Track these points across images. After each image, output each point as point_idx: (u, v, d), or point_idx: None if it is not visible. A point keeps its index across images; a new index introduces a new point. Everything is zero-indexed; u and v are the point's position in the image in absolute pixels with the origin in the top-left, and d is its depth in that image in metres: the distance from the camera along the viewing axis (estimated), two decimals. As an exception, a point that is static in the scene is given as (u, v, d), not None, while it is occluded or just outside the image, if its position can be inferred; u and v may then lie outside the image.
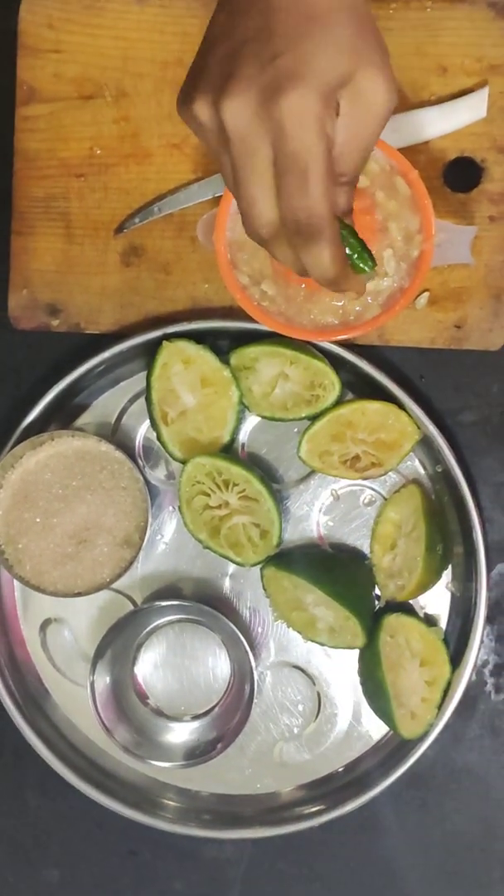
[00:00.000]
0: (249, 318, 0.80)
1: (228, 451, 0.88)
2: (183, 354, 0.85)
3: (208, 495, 0.86)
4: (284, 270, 0.79)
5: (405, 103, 0.86)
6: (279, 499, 0.88)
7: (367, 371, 0.85)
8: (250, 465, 0.86)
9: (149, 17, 0.87)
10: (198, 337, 0.86)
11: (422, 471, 0.89)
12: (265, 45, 0.58)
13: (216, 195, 0.86)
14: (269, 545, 0.86)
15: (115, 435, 0.90)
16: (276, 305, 0.80)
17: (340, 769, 0.89)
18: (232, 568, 0.89)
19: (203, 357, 0.86)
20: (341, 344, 0.85)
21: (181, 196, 0.87)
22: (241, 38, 0.59)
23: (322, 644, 0.87)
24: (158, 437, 0.87)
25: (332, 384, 0.85)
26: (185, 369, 0.86)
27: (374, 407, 0.85)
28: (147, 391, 0.86)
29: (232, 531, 0.86)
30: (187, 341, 0.85)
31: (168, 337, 0.85)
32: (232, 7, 0.61)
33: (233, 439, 0.88)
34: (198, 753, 0.87)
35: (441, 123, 0.85)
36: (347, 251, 0.65)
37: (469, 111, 0.84)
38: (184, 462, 0.86)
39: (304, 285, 0.79)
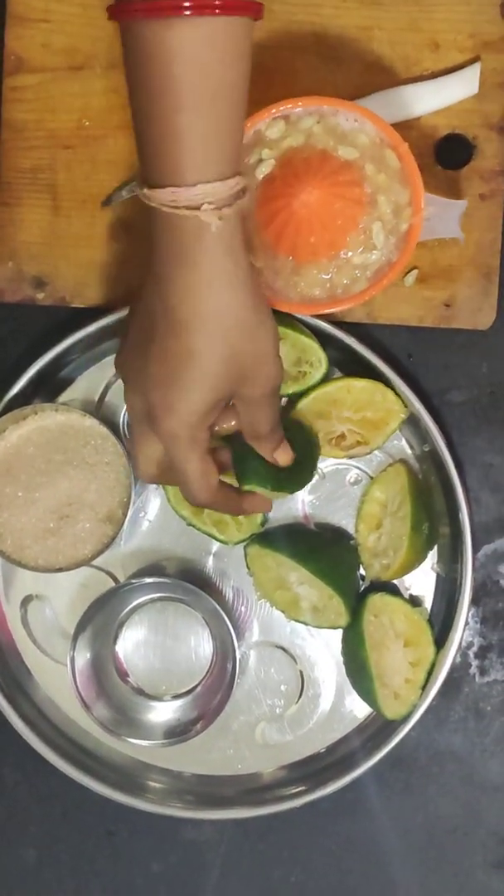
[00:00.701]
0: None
1: None
2: None
3: None
4: (271, 242, 0.78)
5: (396, 79, 0.85)
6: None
7: (355, 348, 0.84)
8: (224, 439, 0.85)
9: (140, -12, 0.86)
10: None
11: (409, 450, 0.88)
12: (147, 382, 0.71)
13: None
14: (254, 523, 0.85)
15: (100, 410, 0.89)
16: (263, 278, 0.79)
17: (323, 750, 0.88)
18: (216, 546, 0.89)
19: None
20: (329, 321, 0.84)
21: None
22: (140, 363, 0.71)
23: (305, 623, 0.87)
24: None
25: (318, 361, 0.84)
26: None
27: (361, 385, 0.85)
28: None
29: None
30: None
31: None
32: (135, 327, 0.73)
33: None
34: (178, 733, 0.86)
35: (432, 99, 0.84)
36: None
37: (461, 87, 0.84)
38: None
39: (291, 257, 0.78)
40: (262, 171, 0.77)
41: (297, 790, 0.86)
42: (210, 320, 0.67)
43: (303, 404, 0.85)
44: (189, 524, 0.86)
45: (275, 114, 0.77)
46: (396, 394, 0.85)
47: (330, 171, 0.76)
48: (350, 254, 0.78)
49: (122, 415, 0.89)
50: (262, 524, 0.86)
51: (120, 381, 0.87)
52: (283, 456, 0.78)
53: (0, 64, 0.87)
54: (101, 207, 0.87)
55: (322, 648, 0.88)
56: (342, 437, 0.86)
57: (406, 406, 0.85)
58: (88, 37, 0.86)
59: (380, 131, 0.77)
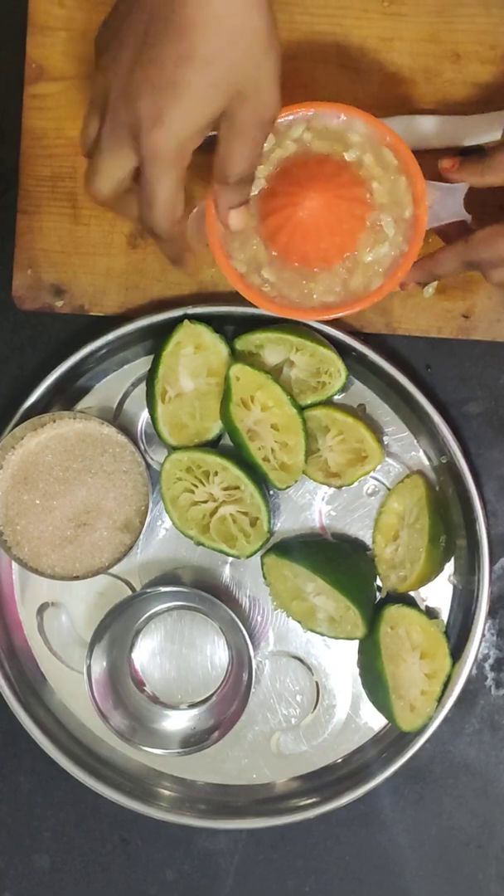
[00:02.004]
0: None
1: (214, 446, 0.87)
2: (198, 339, 0.85)
3: (192, 491, 0.85)
4: (280, 254, 0.78)
5: (418, 90, 0.85)
6: (265, 484, 0.86)
7: (374, 359, 0.84)
8: (225, 453, 0.85)
9: (161, -3, 0.86)
10: (209, 321, 0.85)
11: (426, 462, 0.88)
12: (137, 86, 0.64)
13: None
14: (261, 532, 0.85)
15: (118, 418, 0.89)
16: (277, 290, 0.79)
17: (338, 761, 0.88)
18: (232, 556, 0.89)
19: (216, 346, 0.85)
20: (348, 331, 0.85)
21: None
22: (126, 62, 0.65)
23: (322, 634, 0.86)
24: (151, 414, 0.86)
25: (338, 371, 0.84)
26: (194, 353, 0.85)
27: (343, 419, 0.85)
28: (153, 365, 0.85)
29: (221, 523, 0.85)
30: (206, 326, 0.85)
31: (189, 317, 0.85)
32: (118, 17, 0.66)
33: (220, 436, 0.87)
34: (193, 742, 0.86)
35: (453, 135, 0.83)
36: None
37: (485, 129, 0.83)
38: (169, 446, 0.86)
39: (303, 266, 0.78)
40: (253, 190, 0.77)
41: (311, 801, 0.86)
42: (220, 23, 0.61)
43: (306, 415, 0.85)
44: (198, 543, 0.86)
45: None
46: (375, 439, 0.85)
47: (329, 174, 0.76)
48: (361, 254, 0.77)
49: (141, 423, 0.89)
50: (269, 531, 0.86)
51: (136, 391, 0.88)
52: (237, 218, 0.72)
53: (21, 72, 0.87)
54: None
55: (338, 659, 0.88)
56: (325, 462, 0.86)
57: (383, 454, 0.86)
58: (109, 45, 0.86)
59: (368, 126, 0.77)
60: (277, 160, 0.77)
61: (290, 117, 0.77)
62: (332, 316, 0.79)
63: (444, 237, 0.81)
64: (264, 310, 0.79)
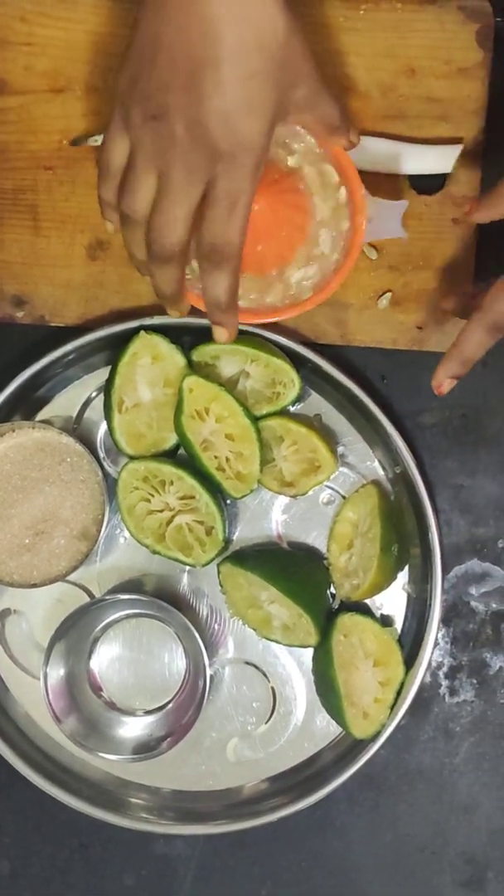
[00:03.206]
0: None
1: (172, 456, 0.88)
2: (155, 349, 0.86)
3: (149, 500, 0.86)
4: None
5: (373, 104, 0.86)
6: (221, 493, 0.87)
7: (328, 370, 0.85)
8: (181, 463, 0.86)
9: (121, 13, 0.87)
10: (166, 332, 0.86)
11: (381, 472, 0.89)
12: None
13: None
14: (216, 541, 0.86)
15: (77, 428, 0.90)
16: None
17: (294, 767, 0.89)
18: (190, 564, 0.90)
19: (173, 357, 0.86)
20: (302, 342, 0.85)
21: None
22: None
23: (276, 641, 0.87)
24: (108, 423, 0.87)
25: (292, 382, 0.85)
26: (151, 364, 0.86)
27: (297, 428, 0.86)
28: (110, 376, 0.86)
29: (177, 532, 0.86)
30: (162, 337, 0.86)
31: (145, 328, 0.86)
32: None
33: (178, 445, 0.87)
34: (148, 748, 0.87)
35: (406, 162, 0.84)
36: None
37: (435, 161, 0.84)
38: (127, 455, 0.87)
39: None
40: None
41: (268, 806, 0.87)
42: (258, 37, 0.67)
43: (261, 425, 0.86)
44: (154, 552, 0.87)
45: None
46: (329, 449, 0.86)
47: (271, 179, 0.76)
48: (296, 266, 0.78)
49: (100, 433, 0.90)
50: (224, 540, 0.86)
51: (96, 401, 0.89)
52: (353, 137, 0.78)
53: (-17, 86, 0.89)
54: (69, 144, 0.87)
55: (294, 666, 0.89)
56: (280, 472, 0.87)
57: (336, 464, 0.87)
58: (70, 59, 0.88)
59: (310, 134, 0.78)
60: None
61: None
62: (261, 320, 0.81)
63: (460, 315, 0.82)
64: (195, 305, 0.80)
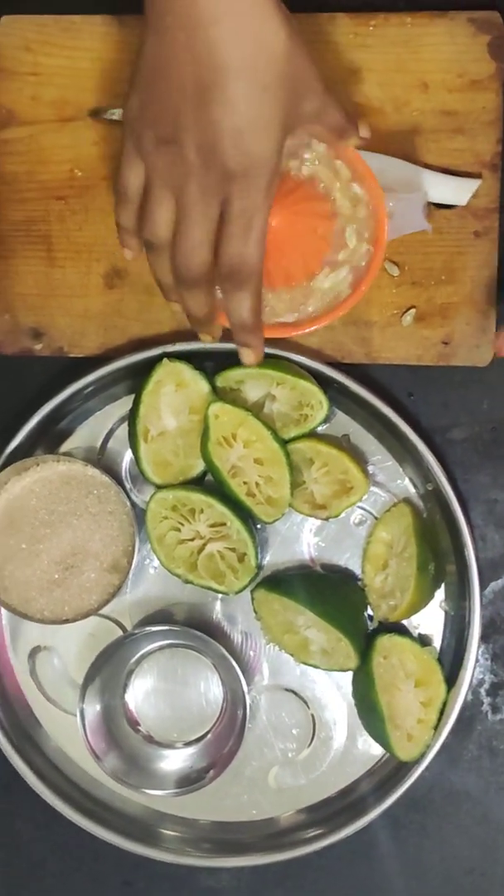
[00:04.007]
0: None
1: (199, 483, 0.87)
2: (178, 377, 0.85)
3: (178, 529, 0.85)
4: None
5: (388, 120, 0.85)
6: (251, 519, 0.86)
7: (355, 390, 0.84)
8: (210, 490, 0.85)
9: (127, 38, 0.86)
10: (189, 359, 0.85)
11: (412, 489, 0.88)
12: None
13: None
14: (249, 567, 0.85)
15: (102, 459, 0.89)
16: None
17: (337, 793, 0.88)
18: (222, 591, 0.88)
19: (197, 383, 0.85)
20: (328, 363, 0.85)
21: None
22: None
23: (315, 666, 0.86)
24: (134, 453, 0.86)
25: (319, 403, 0.84)
26: (175, 391, 0.85)
27: (327, 450, 0.85)
28: (135, 405, 0.85)
29: (209, 560, 0.85)
30: (185, 364, 0.85)
31: (168, 356, 0.85)
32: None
33: (205, 472, 0.86)
34: (190, 781, 0.86)
35: (427, 188, 0.84)
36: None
37: (453, 193, 0.83)
38: (154, 484, 0.86)
39: (266, 285, 0.78)
40: None
41: (312, 835, 0.86)
42: (262, 53, 0.67)
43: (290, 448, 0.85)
44: (186, 581, 0.86)
45: None
46: (361, 470, 0.85)
47: (285, 191, 0.76)
48: (326, 272, 0.78)
49: (125, 462, 0.89)
50: (257, 566, 0.85)
51: (119, 431, 0.88)
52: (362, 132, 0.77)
53: (-9, 118, 0.88)
54: (88, 115, 0.86)
55: (333, 690, 0.88)
56: (311, 494, 0.86)
57: (368, 484, 0.85)
58: (77, 88, 0.87)
59: (321, 143, 0.77)
60: None
61: None
62: (300, 332, 0.80)
63: None
64: (225, 325, 0.78)
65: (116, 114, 0.86)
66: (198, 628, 0.85)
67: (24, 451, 0.87)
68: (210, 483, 0.87)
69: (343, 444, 0.87)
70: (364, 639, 0.85)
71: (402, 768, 0.85)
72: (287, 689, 0.88)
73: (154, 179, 0.72)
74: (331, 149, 0.77)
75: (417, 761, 0.84)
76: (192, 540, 0.85)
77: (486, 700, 0.88)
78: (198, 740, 0.88)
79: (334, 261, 0.77)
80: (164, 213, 0.72)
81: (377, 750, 0.87)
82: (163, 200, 0.71)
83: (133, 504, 0.86)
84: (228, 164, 0.68)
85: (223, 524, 0.84)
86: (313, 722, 0.88)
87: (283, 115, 0.69)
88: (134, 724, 0.89)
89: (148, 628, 0.86)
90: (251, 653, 0.89)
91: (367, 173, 0.77)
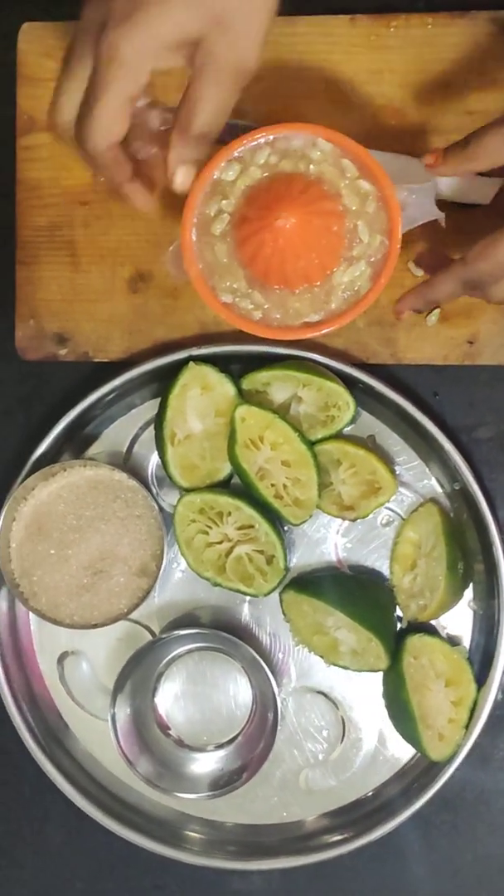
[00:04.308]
0: (263, 341, 0.80)
1: (226, 486, 0.87)
2: (204, 380, 0.85)
3: (206, 532, 0.85)
4: (260, 278, 0.77)
5: (410, 120, 0.85)
6: (279, 521, 0.86)
7: (381, 391, 0.84)
8: (237, 492, 0.85)
9: (148, 43, 0.86)
10: (214, 362, 0.85)
11: (439, 489, 0.88)
12: None
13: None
14: (278, 569, 0.85)
15: (128, 463, 0.89)
16: (264, 314, 0.78)
17: (368, 794, 0.88)
18: (250, 593, 0.89)
19: (223, 386, 0.85)
20: (353, 364, 0.85)
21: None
22: None
23: (345, 667, 0.86)
24: (161, 457, 0.86)
25: (346, 404, 0.84)
26: (201, 394, 0.85)
27: (354, 451, 0.85)
28: (161, 408, 0.85)
29: (238, 563, 0.85)
30: (211, 367, 0.85)
31: (193, 359, 0.85)
32: None
33: (231, 475, 0.86)
34: (223, 783, 0.86)
35: (446, 189, 0.82)
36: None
37: (475, 192, 0.82)
38: (181, 488, 0.86)
39: (284, 288, 0.77)
40: (220, 226, 0.77)
41: (343, 836, 0.86)
42: None
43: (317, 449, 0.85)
44: (215, 584, 0.86)
45: (228, 157, 0.76)
46: (388, 470, 0.85)
47: (297, 192, 0.75)
48: (344, 268, 0.77)
49: (151, 466, 0.89)
50: (286, 568, 0.85)
51: (145, 435, 0.89)
52: (184, 176, 0.68)
53: (13, 124, 0.88)
54: None
55: (362, 691, 0.88)
56: (339, 495, 0.86)
57: (396, 484, 0.85)
58: (99, 93, 0.87)
59: (329, 141, 0.76)
60: (244, 188, 0.77)
61: (253, 143, 0.76)
62: (324, 331, 0.78)
63: (428, 270, 0.81)
64: (252, 332, 0.78)
65: (142, 102, 0.85)
66: (226, 631, 0.85)
67: (50, 457, 0.87)
68: (237, 486, 0.87)
69: (369, 444, 0.87)
70: (394, 639, 0.85)
71: (433, 769, 0.85)
72: (316, 691, 0.88)
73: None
74: (337, 147, 0.77)
75: (449, 761, 0.84)
76: (220, 543, 0.85)
77: (517, 699, 0.88)
78: (228, 743, 0.88)
79: (350, 257, 0.77)
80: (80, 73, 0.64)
81: (407, 751, 0.87)
82: (82, 57, 0.64)
83: (160, 508, 0.86)
84: (107, 13, 0.62)
85: (251, 526, 0.84)
86: (343, 723, 0.88)
87: (193, 17, 0.62)
88: (164, 728, 0.89)
89: (176, 632, 0.86)
90: (280, 655, 0.89)
91: (374, 167, 0.76)
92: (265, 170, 0.76)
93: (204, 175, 0.75)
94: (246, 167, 0.76)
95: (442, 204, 0.79)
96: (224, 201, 0.76)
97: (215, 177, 0.76)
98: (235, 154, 0.76)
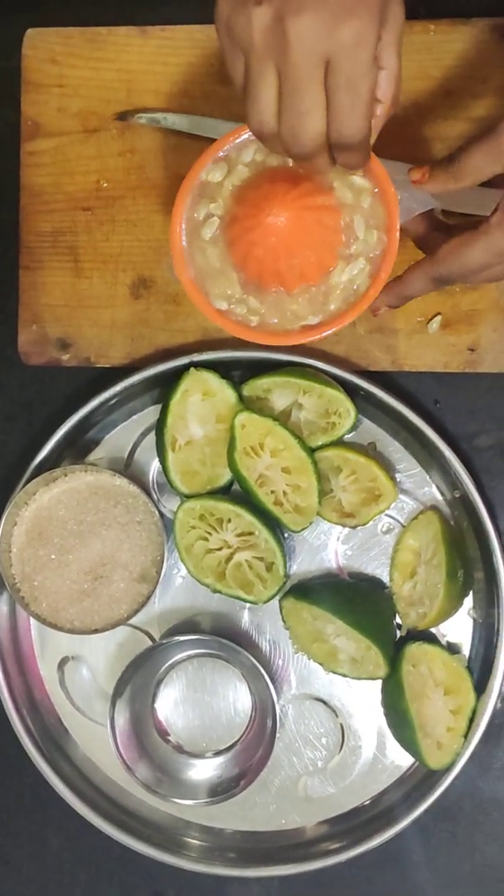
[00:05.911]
0: (264, 348, 0.80)
1: (226, 492, 0.87)
2: (205, 386, 0.85)
3: (206, 539, 0.85)
4: (254, 279, 0.76)
5: (412, 128, 0.85)
6: (279, 528, 0.86)
7: (382, 397, 0.84)
8: (237, 499, 0.85)
9: (151, 49, 0.87)
10: (215, 368, 0.85)
11: (439, 497, 0.88)
12: None
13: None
14: (278, 576, 0.85)
15: (129, 469, 0.89)
16: (260, 318, 0.78)
17: (366, 802, 0.88)
18: (250, 600, 0.88)
19: (224, 392, 0.85)
20: (354, 371, 0.85)
21: (188, 121, 0.86)
22: None
23: (344, 675, 0.86)
24: (162, 463, 0.86)
25: (347, 411, 0.84)
26: (202, 400, 0.85)
27: (355, 458, 0.85)
28: (162, 414, 0.85)
29: (237, 570, 0.85)
30: (212, 373, 0.85)
31: (195, 365, 0.85)
32: None
33: (232, 481, 0.86)
34: (221, 790, 0.86)
35: (446, 200, 0.82)
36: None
37: (476, 204, 0.81)
38: (182, 494, 0.86)
39: (281, 288, 0.77)
40: (210, 231, 0.76)
41: (341, 844, 0.85)
42: None
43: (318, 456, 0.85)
44: (215, 591, 0.86)
45: (214, 157, 0.75)
46: (389, 478, 0.85)
47: (286, 188, 0.73)
48: (342, 266, 0.76)
49: (152, 472, 0.89)
50: (285, 575, 0.85)
51: (146, 440, 0.89)
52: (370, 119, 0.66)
53: (17, 129, 0.88)
54: (113, 119, 0.87)
55: (361, 699, 0.88)
56: (339, 502, 0.86)
57: (397, 491, 0.85)
58: (102, 99, 0.87)
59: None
60: (232, 189, 0.76)
61: (238, 140, 0.75)
62: (324, 333, 0.77)
63: (425, 249, 0.80)
64: (248, 339, 0.78)
65: (144, 118, 0.86)
66: (226, 638, 0.85)
67: (51, 462, 0.87)
68: (237, 492, 0.87)
69: (370, 451, 0.87)
70: (393, 647, 0.85)
71: (432, 777, 0.85)
72: (315, 698, 0.88)
73: (250, 55, 0.62)
74: None
75: (447, 769, 0.83)
76: (220, 549, 0.85)
77: (516, 708, 0.88)
78: (227, 750, 0.88)
79: (348, 255, 0.76)
80: (268, 90, 0.63)
81: (406, 759, 0.87)
82: (265, 74, 0.63)
83: (161, 514, 0.86)
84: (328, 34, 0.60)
85: (251, 533, 0.84)
86: (342, 731, 0.88)
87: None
88: (163, 733, 0.89)
89: (176, 638, 0.86)
90: (279, 662, 0.89)
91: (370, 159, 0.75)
92: (252, 168, 0.75)
93: (189, 178, 0.75)
94: (232, 166, 0.75)
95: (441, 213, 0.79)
96: (212, 204, 0.76)
97: (201, 179, 0.76)
98: (221, 154, 0.76)
